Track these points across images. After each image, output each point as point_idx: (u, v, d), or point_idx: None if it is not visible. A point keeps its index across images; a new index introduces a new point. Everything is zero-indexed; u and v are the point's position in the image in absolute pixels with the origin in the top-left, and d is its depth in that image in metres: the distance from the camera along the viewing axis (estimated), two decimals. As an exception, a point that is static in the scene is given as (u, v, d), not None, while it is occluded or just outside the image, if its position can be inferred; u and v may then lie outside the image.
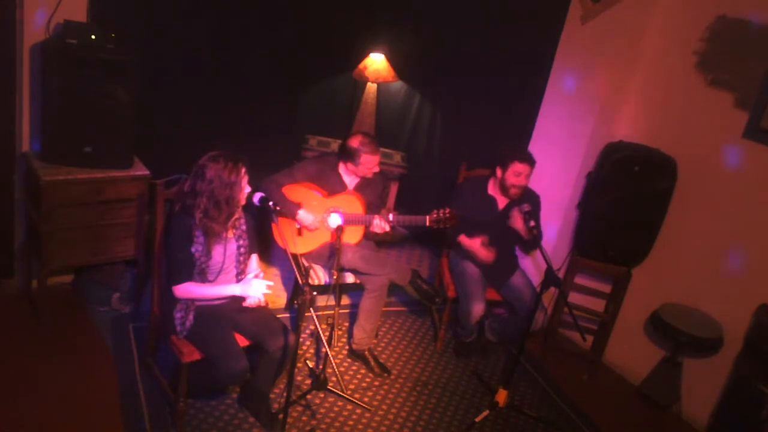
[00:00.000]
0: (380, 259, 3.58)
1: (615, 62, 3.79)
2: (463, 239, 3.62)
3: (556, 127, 4.06)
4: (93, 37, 3.12)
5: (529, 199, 3.56)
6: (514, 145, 3.83)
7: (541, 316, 3.50)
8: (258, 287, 2.84)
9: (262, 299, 2.88)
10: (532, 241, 3.43)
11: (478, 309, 3.53)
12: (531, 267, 3.98)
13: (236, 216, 2.86)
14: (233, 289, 2.86)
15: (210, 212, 2.73)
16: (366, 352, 3.60)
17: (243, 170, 2.76)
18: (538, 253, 3.39)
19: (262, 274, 2.98)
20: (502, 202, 3.64)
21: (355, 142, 3.51)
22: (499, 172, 3.56)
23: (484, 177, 3.70)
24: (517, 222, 3.48)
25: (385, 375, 3.56)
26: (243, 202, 2.83)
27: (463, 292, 3.64)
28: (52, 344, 3.27)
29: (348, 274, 3.59)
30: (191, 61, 4.01)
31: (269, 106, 4.53)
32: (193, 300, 2.83)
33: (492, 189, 3.65)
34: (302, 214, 3.45)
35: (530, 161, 3.51)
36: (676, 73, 3.67)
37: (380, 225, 3.44)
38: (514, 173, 3.50)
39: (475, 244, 3.58)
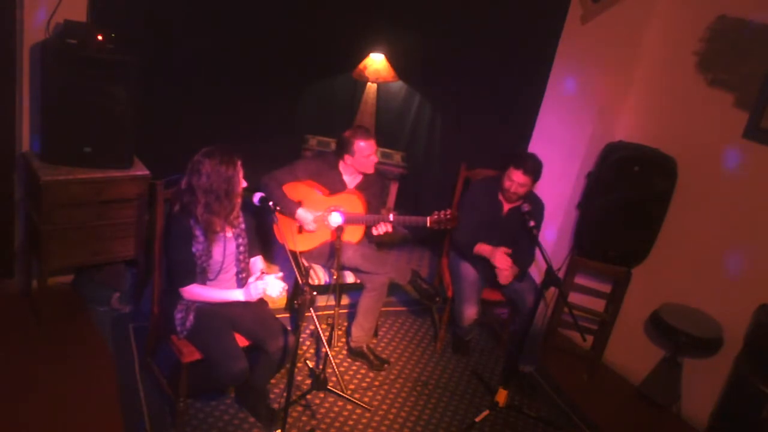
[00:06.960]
0: (380, 258, 3.58)
1: (615, 62, 3.79)
2: (481, 248, 3.54)
3: (556, 127, 4.05)
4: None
5: (531, 203, 3.51)
6: (521, 149, 3.81)
7: (543, 310, 3.47)
8: (257, 290, 2.83)
9: (279, 293, 2.85)
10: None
11: (470, 312, 3.54)
12: (531, 267, 3.97)
13: (235, 214, 2.86)
14: (237, 295, 2.86)
15: (212, 206, 2.73)
16: (364, 348, 3.60)
17: (239, 163, 2.76)
18: (538, 253, 3.39)
19: (260, 273, 2.97)
20: (507, 205, 3.64)
21: (347, 133, 3.54)
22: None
23: (496, 178, 3.66)
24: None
25: (386, 366, 3.58)
26: (240, 197, 2.83)
27: (457, 294, 3.64)
28: (52, 344, 3.27)
29: (348, 273, 3.59)
30: (191, 61, 4.01)
31: (269, 106, 4.52)
32: (194, 300, 2.84)
33: (500, 192, 3.64)
34: (301, 213, 3.45)
35: (525, 168, 3.43)
36: (676, 73, 3.67)
37: (381, 226, 3.44)
38: (507, 178, 3.50)
39: (495, 253, 3.49)
